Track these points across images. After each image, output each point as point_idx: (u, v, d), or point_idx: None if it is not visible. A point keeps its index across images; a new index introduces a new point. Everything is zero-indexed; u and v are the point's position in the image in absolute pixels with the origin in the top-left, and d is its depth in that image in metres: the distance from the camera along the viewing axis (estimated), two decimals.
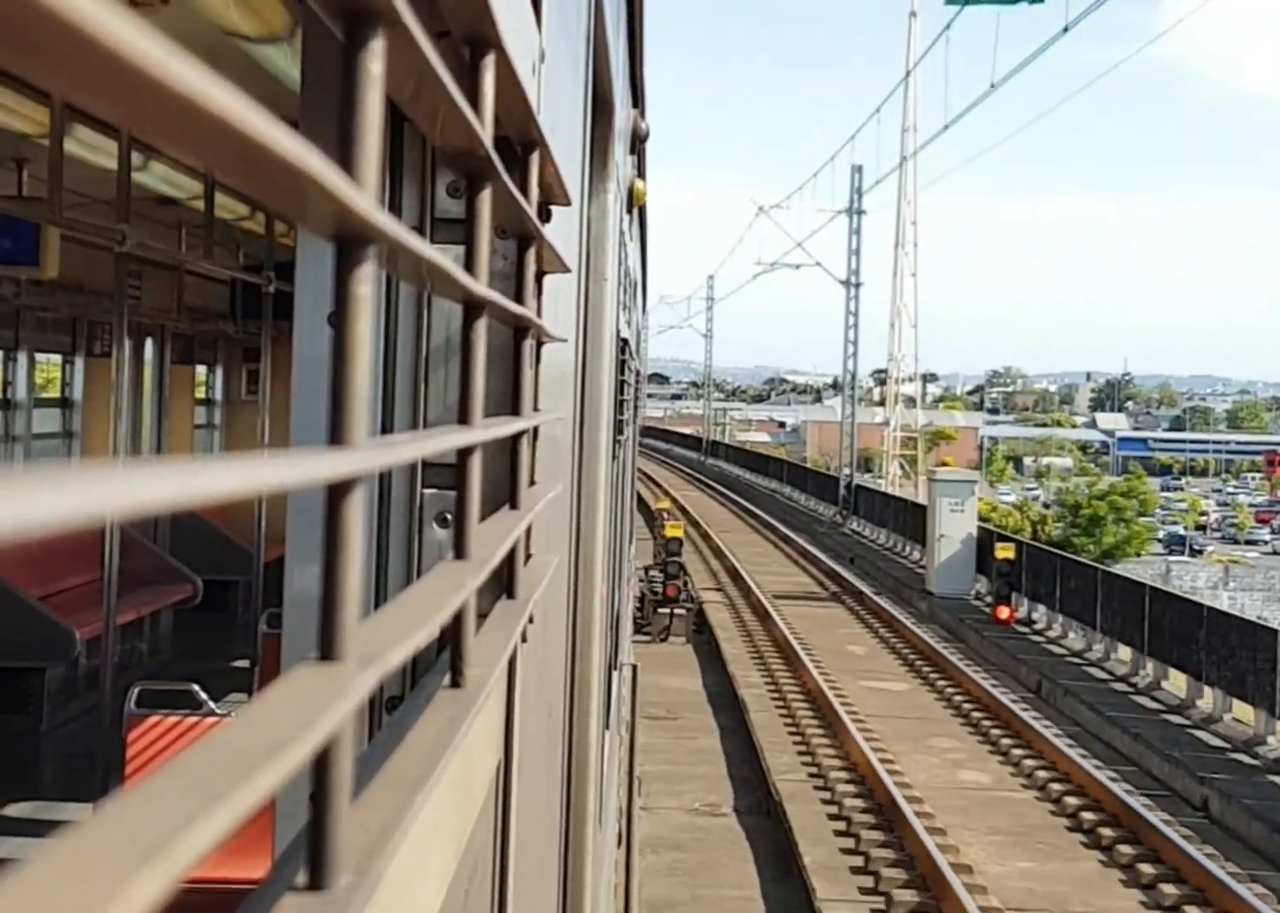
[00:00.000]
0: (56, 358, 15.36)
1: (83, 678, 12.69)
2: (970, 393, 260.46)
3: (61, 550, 12.66)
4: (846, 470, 51.38)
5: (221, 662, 13.66)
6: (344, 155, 0.83)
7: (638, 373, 12.20)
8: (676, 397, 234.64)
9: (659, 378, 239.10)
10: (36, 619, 11.77)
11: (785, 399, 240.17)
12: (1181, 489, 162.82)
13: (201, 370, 18.89)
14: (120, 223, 9.41)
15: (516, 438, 1.82)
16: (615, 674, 6.90)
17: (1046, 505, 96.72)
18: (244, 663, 12.40)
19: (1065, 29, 32.91)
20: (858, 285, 53.07)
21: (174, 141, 0.62)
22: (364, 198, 0.80)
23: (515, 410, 1.83)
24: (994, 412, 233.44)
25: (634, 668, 9.94)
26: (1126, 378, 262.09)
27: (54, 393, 15.34)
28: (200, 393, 18.92)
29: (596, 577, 3.43)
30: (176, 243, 13.06)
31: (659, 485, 66.33)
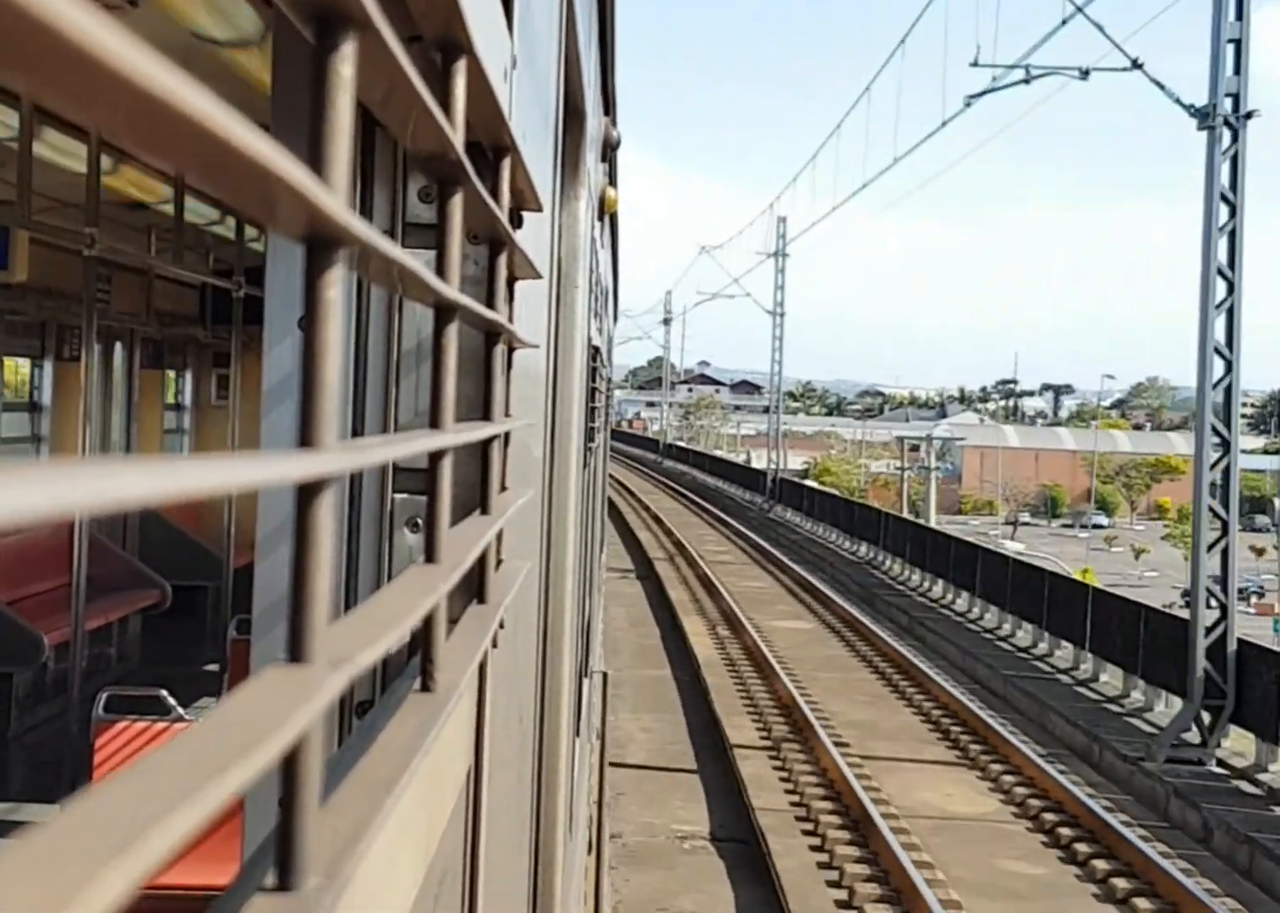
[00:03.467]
0: (24, 362, 15.29)
1: (50, 683, 12.63)
2: (1110, 408, 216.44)
3: (30, 555, 12.61)
4: None
5: (190, 667, 13.63)
6: (315, 158, 0.83)
7: (608, 380, 12.20)
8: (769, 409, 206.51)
9: (748, 386, 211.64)
10: (4, 624, 11.71)
11: (902, 415, 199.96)
12: None
13: (171, 375, 18.81)
14: (89, 227, 9.40)
15: (488, 443, 1.82)
16: (586, 681, 6.89)
17: None
18: (213, 668, 12.38)
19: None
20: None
21: (145, 144, 0.62)
22: (335, 201, 0.80)
23: (486, 416, 1.83)
24: (1139, 428, 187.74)
25: (604, 675, 9.93)
26: None
27: (22, 396, 15.26)
28: (170, 398, 18.84)
29: (567, 583, 3.43)
30: (146, 247, 13.02)
31: None
